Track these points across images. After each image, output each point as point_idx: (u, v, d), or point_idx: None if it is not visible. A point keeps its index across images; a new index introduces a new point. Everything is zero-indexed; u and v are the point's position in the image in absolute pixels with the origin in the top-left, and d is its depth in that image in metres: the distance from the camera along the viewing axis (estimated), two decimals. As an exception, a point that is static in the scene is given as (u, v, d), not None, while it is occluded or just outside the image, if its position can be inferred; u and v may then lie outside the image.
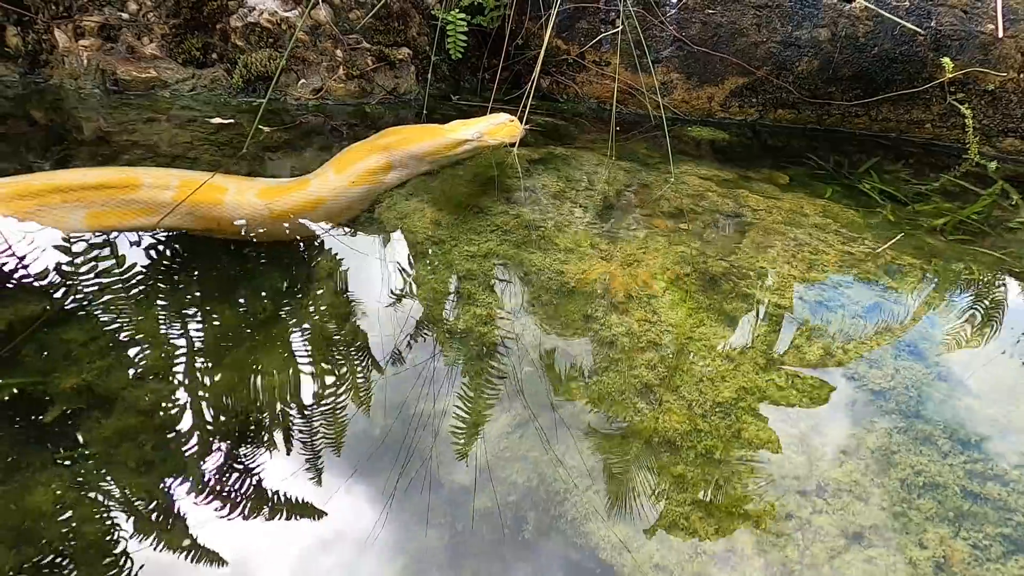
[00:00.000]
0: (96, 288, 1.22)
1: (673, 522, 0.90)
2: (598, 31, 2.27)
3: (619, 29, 2.17)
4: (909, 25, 2.05)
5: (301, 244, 1.42)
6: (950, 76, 2.04)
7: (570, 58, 2.34)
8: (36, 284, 1.21)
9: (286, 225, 1.41)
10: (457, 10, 2.20)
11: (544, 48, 2.05)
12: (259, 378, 1.09)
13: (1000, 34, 2.02)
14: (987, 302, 1.38)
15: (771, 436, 1.01)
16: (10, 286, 1.20)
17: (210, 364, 1.10)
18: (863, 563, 0.85)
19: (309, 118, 2.06)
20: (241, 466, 0.95)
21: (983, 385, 1.12)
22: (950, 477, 0.95)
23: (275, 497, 0.92)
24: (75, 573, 0.81)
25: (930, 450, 0.99)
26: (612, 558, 0.85)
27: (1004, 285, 1.46)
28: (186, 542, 0.85)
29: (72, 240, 1.31)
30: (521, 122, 1.78)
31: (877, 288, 1.35)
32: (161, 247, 1.35)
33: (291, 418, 1.03)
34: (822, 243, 1.48)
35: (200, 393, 1.06)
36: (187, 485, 0.92)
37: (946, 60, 2.02)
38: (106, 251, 1.31)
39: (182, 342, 1.14)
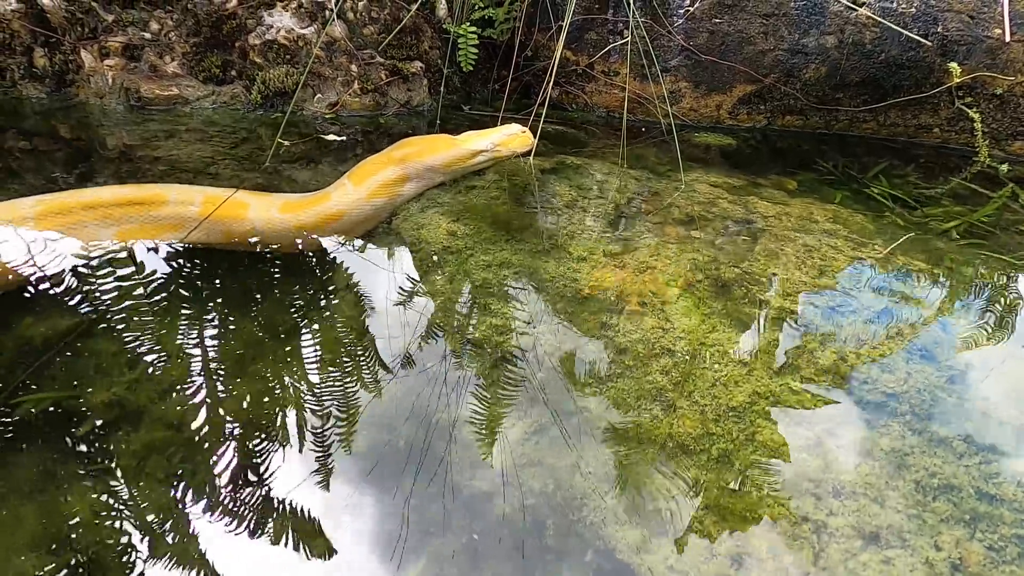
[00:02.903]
0: (123, 302, 1.26)
1: (688, 525, 0.91)
2: (607, 42, 2.30)
3: (627, 40, 2.20)
4: (912, 35, 2.06)
5: (319, 257, 1.46)
6: (957, 81, 2.05)
7: (579, 68, 2.38)
8: (67, 298, 1.25)
9: (306, 239, 1.45)
10: (468, 24, 2.24)
11: (556, 60, 2.09)
12: (281, 389, 1.12)
13: (1007, 38, 2.03)
14: (998, 305, 1.39)
15: (785, 440, 1.02)
16: (44, 301, 1.24)
17: (232, 375, 1.13)
18: (880, 564, 0.86)
19: (326, 127, 2.11)
20: (262, 476, 0.98)
21: (996, 387, 1.13)
22: (965, 479, 0.96)
23: (296, 504, 0.95)
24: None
25: (944, 452, 1.00)
26: (630, 559, 0.87)
27: (1015, 288, 1.47)
28: (199, 554, 0.87)
29: (99, 255, 1.35)
30: (533, 132, 1.81)
31: (888, 293, 1.37)
32: (182, 260, 1.39)
33: (312, 427, 1.06)
34: (832, 248, 1.50)
35: (223, 405, 1.09)
36: (208, 496, 0.94)
37: (953, 65, 2.04)
38: (131, 266, 1.35)
39: (205, 354, 1.17)
